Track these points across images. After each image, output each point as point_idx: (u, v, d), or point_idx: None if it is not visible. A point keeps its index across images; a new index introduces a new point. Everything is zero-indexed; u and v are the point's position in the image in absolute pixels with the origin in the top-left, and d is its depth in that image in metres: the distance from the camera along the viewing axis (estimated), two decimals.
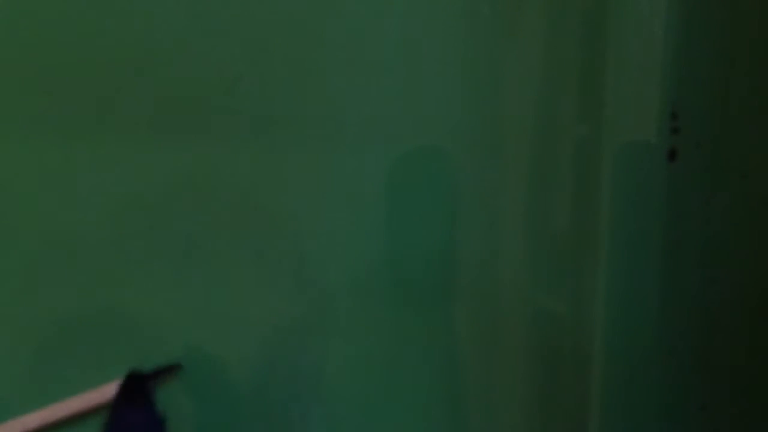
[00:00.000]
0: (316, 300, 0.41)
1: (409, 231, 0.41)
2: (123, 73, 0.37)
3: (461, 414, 0.44)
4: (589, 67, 0.42)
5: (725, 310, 0.46)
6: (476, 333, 0.43)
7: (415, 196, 0.41)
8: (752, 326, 0.47)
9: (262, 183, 0.39)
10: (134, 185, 0.38)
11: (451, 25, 0.40)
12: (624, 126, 0.43)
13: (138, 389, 0.37)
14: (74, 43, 0.36)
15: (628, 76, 0.43)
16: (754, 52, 0.45)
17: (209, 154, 0.38)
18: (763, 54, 0.45)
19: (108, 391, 0.38)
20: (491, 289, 0.43)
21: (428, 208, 0.41)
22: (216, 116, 0.38)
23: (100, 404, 0.38)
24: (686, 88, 0.43)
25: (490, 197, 0.42)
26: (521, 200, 0.42)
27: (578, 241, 0.44)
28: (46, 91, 0.36)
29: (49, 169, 0.37)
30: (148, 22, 0.37)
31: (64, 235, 0.37)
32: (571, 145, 0.43)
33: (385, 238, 0.41)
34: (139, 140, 0.37)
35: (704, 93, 0.44)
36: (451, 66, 0.40)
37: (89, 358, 0.38)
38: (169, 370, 0.38)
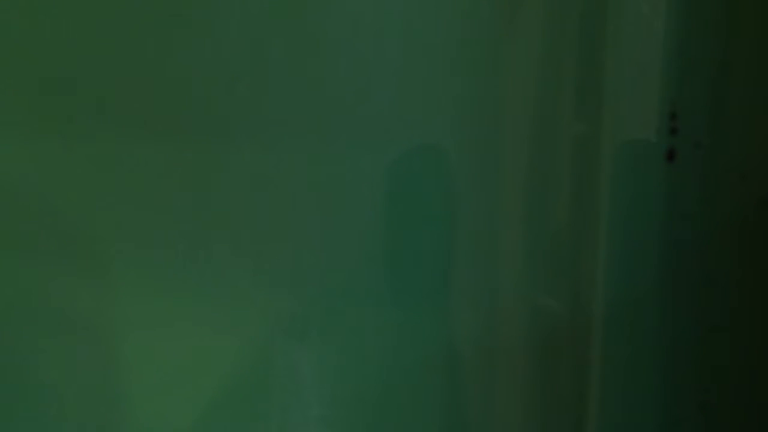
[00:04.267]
0: (314, 300, 0.41)
1: (407, 230, 0.41)
2: (121, 73, 0.37)
3: (460, 412, 0.44)
4: (587, 65, 0.42)
5: (725, 310, 0.46)
6: (475, 332, 0.43)
7: (412, 194, 0.41)
8: (752, 326, 0.47)
9: (260, 182, 0.39)
10: (132, 185, 0.38)
11: (449, 23, 0.40)
12: (622, 126, 0.43)
13: None
14: (72, 43, 0.36)
15: (627, 75, 0.43)
16: (754, 52, 0.45)
17: (207, 154, 0.38)
18: (762, 55, 0.45)
19: None
20: (489, 287, 0.43)
21: (426, 207, 0.41)
22: (214, 116, 0.38)
23: None
24: (685, 88, 0.43)
25: (488, 196, 0.42)
26: (519, 199, 0.43)
27: (576, 241, 0.44)
28: (44, 91, 0.36)
29: (47, 168, 0.37)
30: (146, 22, 0.37)
31: (63, 233, 0.37)
32: (569, 144, 0.43)
33: (383, 237, 0.41)
34: (137, 140, 0.37)
35: (704, 93, 0.44)
36: (449, 64, 0.40)
37: None
38: None
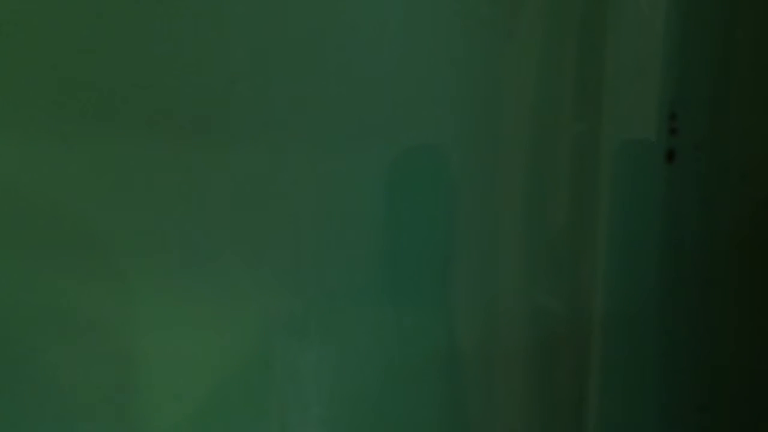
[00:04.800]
0: (314, 300, 0.41)
1: (407, 230, 0.41)
2: (120, 74, 0.37)
3: (460, 411, 0.44)
4: (587, 65, 0.42)
5: (724, 310, 0.46)
6: (475, 332, 0.43)
7: (412, 195, 0.41)
8: (752, 326, 0.47)
9: (259, 182, 0.39)
10: (132, 185, 0.38)
11: (449, 23, 0.40)
12: (622, 126, 0.43)
13: None
14: (73, 44, 0.36)
15: (627, 75, 0.43)
16: (754, 53, 0.45)
17: (207, 155, 0.38)
18: (762, 55, 0.45)
19: None
20: (489, 287, 0.43)
21: (426, 207, 0.41)
22: (214, 117, 0.38)
23: None
24: (685, 88, 0.43)
25: (488, 196, 0.42)
26: (519, 199, 0.43)
27: (576, 241, 0.44)
28: (45, 91, 0.36)
29: (47, 169, 0.37)
30: (146, 23, 0.37)
31: (63, 234, 0.37)
32: (569, 144, 0.43)
33: (383, 237, 0.41)
34: (138, 141, 0.37)
35: (703, 94, 0.44)
36: (449, 64, 0.40)
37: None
38: None
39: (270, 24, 0.38)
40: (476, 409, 0.44)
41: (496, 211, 0.42)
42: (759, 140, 0.45)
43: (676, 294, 0.45)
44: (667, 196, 0.44)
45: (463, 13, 0.40)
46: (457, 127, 0.41)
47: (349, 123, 0.40)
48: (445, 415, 0.43)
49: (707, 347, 0.46)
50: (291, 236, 0.40)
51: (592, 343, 0.44)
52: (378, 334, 0.41)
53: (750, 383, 0.47)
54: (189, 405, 0.40)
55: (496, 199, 0.42)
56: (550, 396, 0.45)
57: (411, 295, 0.42)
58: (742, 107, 0.45)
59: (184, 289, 0.39)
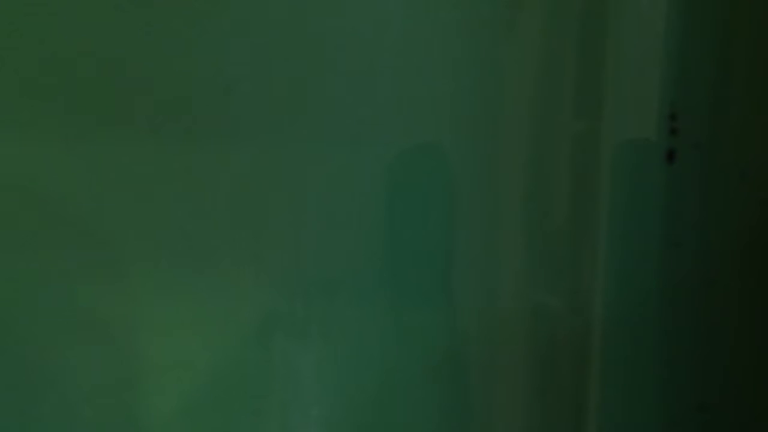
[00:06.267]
0: (314, 300, 0.41)
1: (407, 229, 0.41)
2: (121, 74, 0.37)
3: (460, 411, 0.44)
4: (587, 65, 0.42)
5: (725, 310, 0.46)
6: (475, 331, 0.43)
7: (412, 193, 0.41)
8: (752, 326, 0.47)
9: (260, 182, 0.39)
10: (131, 185, 0.38)
11: (449, 22, 0.40)
12: (622, 127, 0.43)
13: None
14: (74, 45, 0.36)
15: (627, 76, 0.43)
16: (754, 53, 0.45)
17: (208, 154, 0.38)
18: (762, 55, 0.45)
19: None
20: (489, 287, 0.43)
21: (426, 206, 0.41)
22: (214, 116, 0.38)
23: None
24: (685, 89, 0.43)
25: (488, 194, 0.42)
26: (519, 198, 0.43)
27: (576, 241, 0.44)
28: (45, 91, 0.36)
29: (50, 169, 0.37)
30: (147, 23, 0.37)
31: (62, 233, 0.37)
32: (569, 144, 0.43)
33: (383, 237, 0.41)
34: (138, 141, 0.37)
35: (703, 94, 0.44)
36: (449, 63, 0.40)
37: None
38: None
39: (270, 24, 0.38)
40: (476, 409, 0.44)
41: (496, 210, 0.42)
42: (759, 140, 0.45)
43: (676, 294, 0.45)
44: (667, 196, 0.44)
45: (462, 12, 0.40)
46: (457, 126, 0.41)
47: (349, 122, 0.40)
48: (445, 414, 0.43)
49: (707, 347, 0.46)
50: (291, 236, 0.40)
51: (592, 342, 0.44)
52: (378, 333, 0.41)
53: (750, 383, 0.47)
54: (189, 404, 0.40)
55: (496, 198, 0.42)
56: (550, 395, 0.45)
57: (411, 294, 0.42)
58: (742, 107, 0.45)
59: (184, 288, 0.39)
